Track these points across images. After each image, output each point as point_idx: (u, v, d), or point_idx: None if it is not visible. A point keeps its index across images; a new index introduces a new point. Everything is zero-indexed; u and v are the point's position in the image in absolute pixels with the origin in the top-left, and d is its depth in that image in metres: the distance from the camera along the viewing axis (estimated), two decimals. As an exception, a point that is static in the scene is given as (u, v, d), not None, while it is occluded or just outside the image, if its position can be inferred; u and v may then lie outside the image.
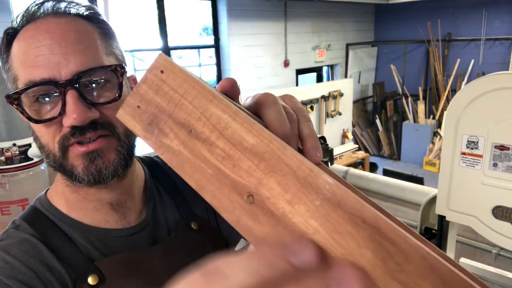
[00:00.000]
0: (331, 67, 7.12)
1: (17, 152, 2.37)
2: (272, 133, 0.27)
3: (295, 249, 0.22)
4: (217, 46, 5.24)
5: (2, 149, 2.32)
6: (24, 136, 2.39)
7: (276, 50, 5.80)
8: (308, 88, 5.68)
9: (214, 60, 5.29)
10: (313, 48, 6.42)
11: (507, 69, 6.22)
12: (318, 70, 6.93)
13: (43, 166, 2.59)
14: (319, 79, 7.09)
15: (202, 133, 0.28)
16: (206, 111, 0.28)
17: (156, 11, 4.58)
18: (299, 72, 6.36)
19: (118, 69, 0.55)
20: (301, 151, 0.35)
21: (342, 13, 6.83)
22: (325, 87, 5.74)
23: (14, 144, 2.36)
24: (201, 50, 5.32)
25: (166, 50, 4.73)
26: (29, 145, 2.42)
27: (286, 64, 5.95)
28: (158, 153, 0.29)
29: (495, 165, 1.15)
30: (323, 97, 5.63)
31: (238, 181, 0.26)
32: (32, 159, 2.43)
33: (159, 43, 4.65)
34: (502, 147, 1.14)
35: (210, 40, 5.27)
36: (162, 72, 0.29)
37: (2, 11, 3.23)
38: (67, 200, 0.61)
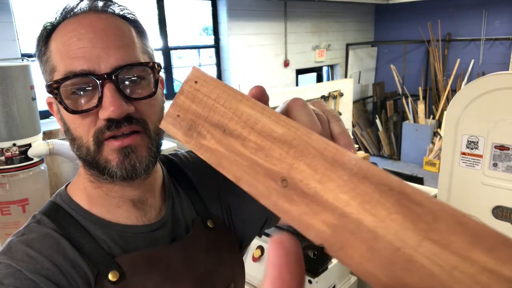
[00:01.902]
0: (331, 67, 7.12)
1: (17, 152, 2.37)
2: (298, 122, 0.30)
3: None
4: (217, 46, 5.24)
5: (2, 149, 2.32)
6: (24, 136, 2.39)
7: (276, 50, 5.80)
8: (308, 88, 5.68)
9: (214, 60, 5.29)
10: (313, 48, 6.42)
11: (507, 69, 6.22)
12: (318, 70, 6.93)
13: (43, 166, 2.59)
14: (319, 79, 7.09)
15: (235, 130, 0.31)
16: (237, 111, 0.31)
17: (156, 11, 4.58)
18: (299, 72, 6.35)
19: (156, 66, 0.57)
20: None
21: (342, 13, 6.83)
22: (325, 87, 5.73)
23: (14, 144, 2.36)
24: (201, 50, 5.32)
25: (166, 50, 4.73)
26: (29, 145, 2.42)
27: (286, 64, 5.95)
28: (198, 154, 0.33)
29: (495, 165, 1.15)
30: (323, 97, 5.62)
31: (271, 168, 0.29)
32: (32, 159, 2.43)
33: (159, 43, 4.65)
34: (502, 147, 1.14)
35: (210, 40, 5.27)
36: (196, 82, 0.33)
37: (2, 11, 3.23)
38: (88, 195, 0.61)
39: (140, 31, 0.60)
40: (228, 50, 5.17)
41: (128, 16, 0.60)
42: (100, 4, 0.57)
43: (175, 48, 4.91)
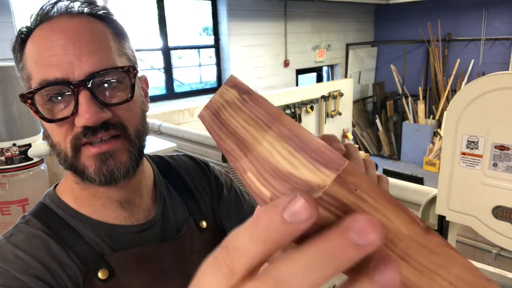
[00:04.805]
0: (331, 67, 7.12)
1: (17, 152, 2.37)
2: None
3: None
4: (217, 46, 5.24)
5: (2, 149, 2.32)
6: (24, 136, 2.39)
7: (276, 50, 5.80)
8: (308, 88, 5.68)
9: (214, 60, 5.29)
10: (313, 48, 6.42)
11: (507, 69, 6.21)
12: (318, 70, 6.93)
13: (43, 166, 2.58)
14: (319, 79, 7.09)
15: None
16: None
17: (156, 11, 4.58)
18: (299, 72, 6.36)
19: (131, 70, 0.55)
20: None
21: (342, 13, 6.83)
22: (325, 87, 5.73)
23: (14, 144, 2.36)
24: (201, 50, 5.32)
25: (166, 50, 4.73)
26: (29, 145, 2.41)
27: (286, 64, 5.95)
28: None
29: (495, 165, 1.15)
30: (323, 97, 5.63)
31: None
32: (32, 159, 2.43)
33: (159, 43, 4.65)
34: (502, 147, 1.13)
35: (210, 40, 5.27)
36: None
37: (2, 11, 3.23)
38: (76, 196, 0.61)
39: (117, 32, 0.58)
40: (228, 50, 5.17)
41: (106, 17, 0.57)
42: (76, 5, 0.55)
43: (175, 48, 4.91)
